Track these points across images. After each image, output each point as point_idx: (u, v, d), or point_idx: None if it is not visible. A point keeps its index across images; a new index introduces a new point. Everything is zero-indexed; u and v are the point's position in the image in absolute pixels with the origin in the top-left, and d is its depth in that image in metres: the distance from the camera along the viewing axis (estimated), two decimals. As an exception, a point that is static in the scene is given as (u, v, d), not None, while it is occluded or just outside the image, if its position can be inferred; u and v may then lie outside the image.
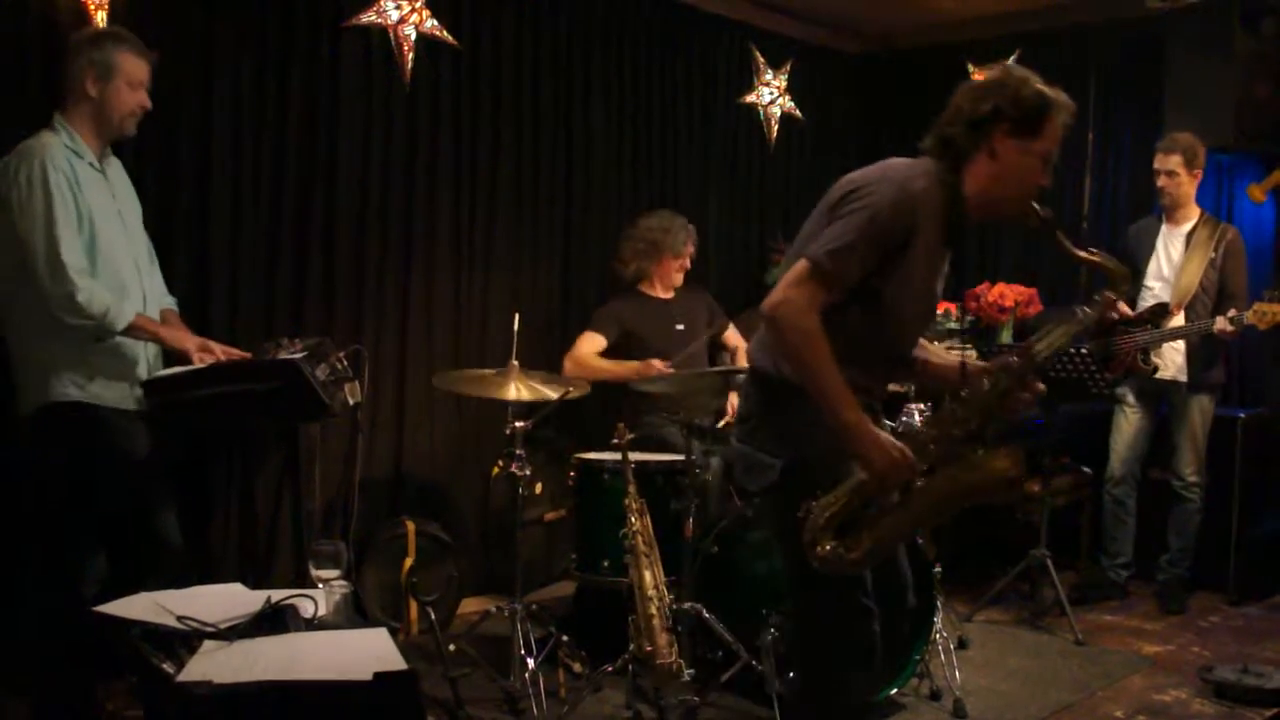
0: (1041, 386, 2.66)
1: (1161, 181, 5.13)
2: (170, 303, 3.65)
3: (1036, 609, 5.03)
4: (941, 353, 2.91)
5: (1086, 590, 5.38)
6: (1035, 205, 2.66)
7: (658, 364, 4.82)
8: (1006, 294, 5.87)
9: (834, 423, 2.49)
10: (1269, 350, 5.92)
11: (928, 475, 2.55)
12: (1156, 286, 5.19)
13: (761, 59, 6.55)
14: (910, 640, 3.89)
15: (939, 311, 5.86)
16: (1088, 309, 2.71)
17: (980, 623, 4.98)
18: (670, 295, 5.19)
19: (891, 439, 2.52)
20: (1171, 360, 5.12)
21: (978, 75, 2.66)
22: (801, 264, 2.53)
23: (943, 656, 4.07)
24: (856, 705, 2.74)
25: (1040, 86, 2.62)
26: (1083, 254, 2.66)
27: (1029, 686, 4.23)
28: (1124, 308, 5.13)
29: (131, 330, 3.26)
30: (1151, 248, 5.24)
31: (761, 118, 6.63)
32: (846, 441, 2.50)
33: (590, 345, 5.00)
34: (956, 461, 2.56)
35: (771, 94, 6.63)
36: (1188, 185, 5.12)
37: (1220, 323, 4.87)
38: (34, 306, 3.20)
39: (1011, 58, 6.53)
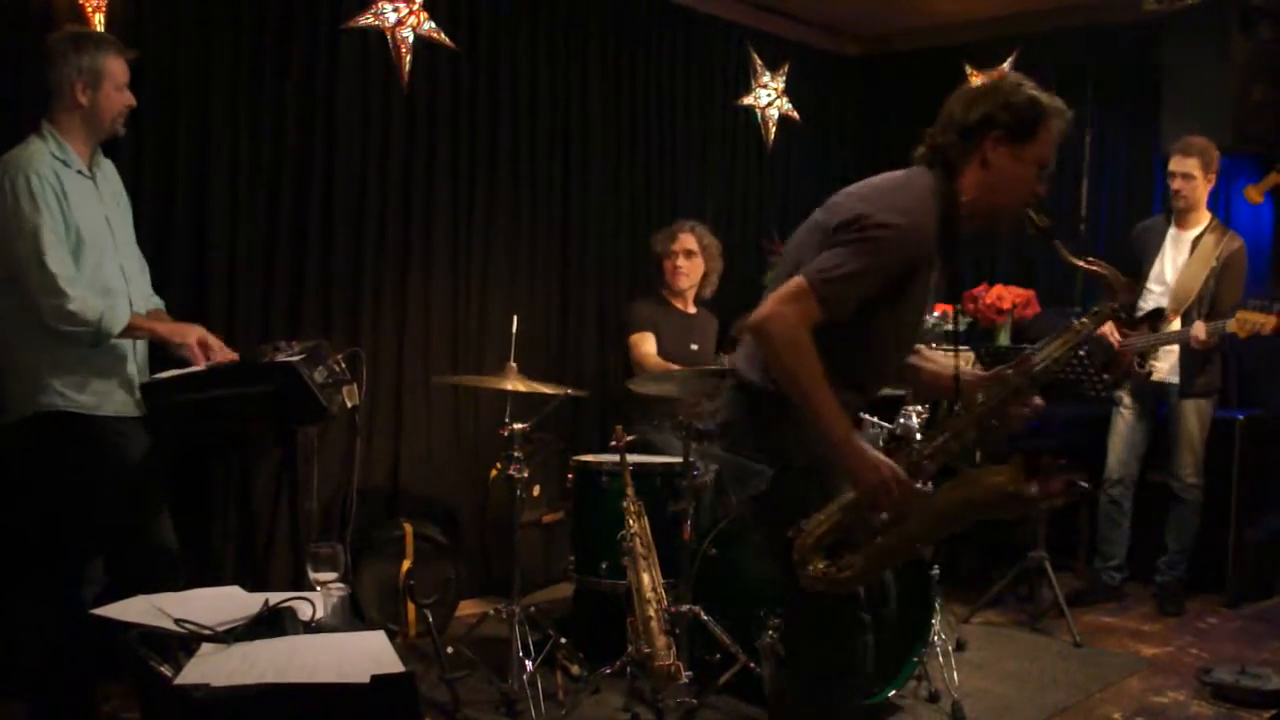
0: (1039, 401, 2.62)
1: (1177, 184, 5.09)
2: (157, 303, 3.63)
3: (1034, 611, 5.03)
4: (937, 358, 2.88)
5: (1084, 593, 5.38)
6: (1032, 213, 2.59)
7: None
8: (1004, 296, 5.87)
9: (823, 439, 2.44)
10: (1268, 352, 5.92)
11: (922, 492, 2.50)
12: (1158, 290, 5.18)
13: (759, 61, 6.56)
14: (908, 642, 3.91)
15: (936, 314, 5.88)
16: (1085, 319, 2.66)
17: (978, 625, 4.99)
18: (693, 311, 5.15)
19: (882, 456, 2.46)
20: (1166, 363, 5.13)
21: (974, 78, 2.62)
22: (797, 282, 2.46)
23: (941, 659, 4.07)
24: (847, 714, 2.70)
25: (1033, 92, 2.55)
26: (1081, 263, 2.62)
27: (1027, 688, 4.23)
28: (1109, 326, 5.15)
29: (129, 331, 3.25)
30: (1158, 249, 5.21)
31: (759, 120, 6.63)
32: (836, 458, 2.46)
33: (650, 344, 4.95)
34: (953, 477, 2.51)
35: (769, 96, 6.63)
36: (1202, 189, 5.08)
37: (1196, 329, 4.88)
38: (21, 315, 3.18)
39: (1008, 60, 6.56)
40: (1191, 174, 5.05)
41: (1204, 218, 5.16)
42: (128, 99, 3.39)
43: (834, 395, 2.44)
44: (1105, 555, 5.38)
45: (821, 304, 2.44)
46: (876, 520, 2.49)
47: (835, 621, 2.60)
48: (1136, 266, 5.26)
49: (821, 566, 2.48)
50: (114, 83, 3.33)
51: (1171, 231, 5.21)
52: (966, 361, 5.47)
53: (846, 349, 2.51)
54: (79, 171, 3.31)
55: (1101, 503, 5.34)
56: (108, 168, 3.48)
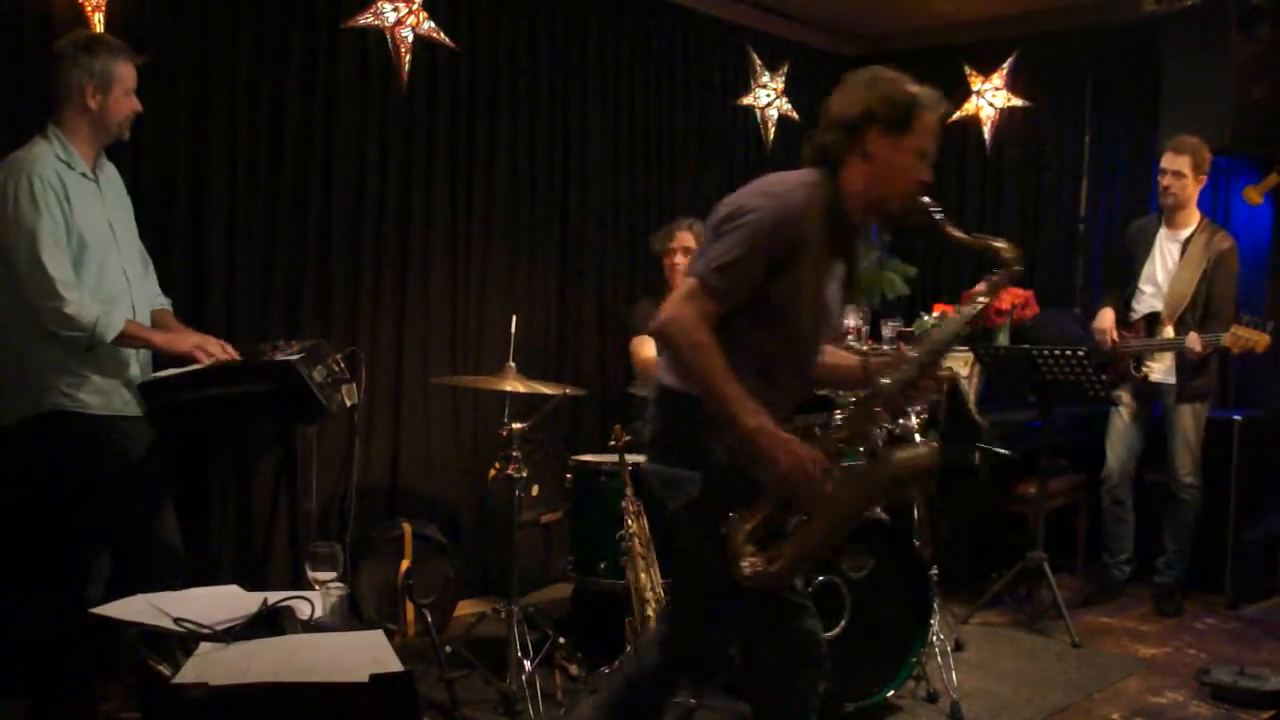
0: (944, 374, 2.75)
1: (1167, 181, 5.09)
2: (164, 303, 3.63)
3: (1033, 611, 5.03)
4: (840, 353, 2.95)
5: (1095, 593, 5.38)
6: (919, 199, 2.69)
7: None
8: (1003, 296, 5.87)
9: (736, 429, 2.50)
10: (1266, 355, 5.92)
11: (842, 476, 2.58)
12: (1149, 291, 5.18)
13: (758, 61, 6.56)
14: (907, 643, 3.92)
15: (935, 314, 5.88)
16: (981, 295, 2.77)
17: (977, 625, 4.99)
18: None
19: (797, 440, 2.52)
20: (1161, 364, 5.13)
21: (850, 76, 2.72)
22: (689, 281, 2.56)
23: (939, 659, 4.07)
24: (813, 705, 2.74)
25: (909, 85, 2.63)
26: (969, 238, 2.71)
27: (1025, 689, 4.23)
28: (1110, 320, 5.16)
29: (122, 339, 3.24)
30: (1149, 249, 5.22)
31: (758, 120, 6.63)
32: (751, 446, 2.50)
33: (649, 350, 4.96)
34: (870, 458, 2.61)
35: (768, 96, 6.63)
36: (1192, 188, 5.08)
37: (1192, 340, 4.89)
38: (22, 315, 3.18)
39: (1008, 60, 6.56)
40: (1182, 172, 5.05)
41: (1194, 218, 5.16)
42: (135, 104, 3.39)
43: (741, 386, 2.50)
44: (1113, 551, 5.37)
45: (714, 296, 2.53)
46: (788, 510, 2.56)
47: (776, 612, 2.66)
48: (1130, 265, 5.27)
49: (754, 560, 2.52)
50: (123, 87, 3.33)
51: (1163, 232, 5.22)
52: (965, 362, 5.51)
53: (748, 341, 2.58)
54: (83, 174, 3.30)
55: (1104, 502, 5.35)
56: (110, 170, 3.47)
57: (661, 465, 2.69)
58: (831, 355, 2.91)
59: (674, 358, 2.60)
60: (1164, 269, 5.16)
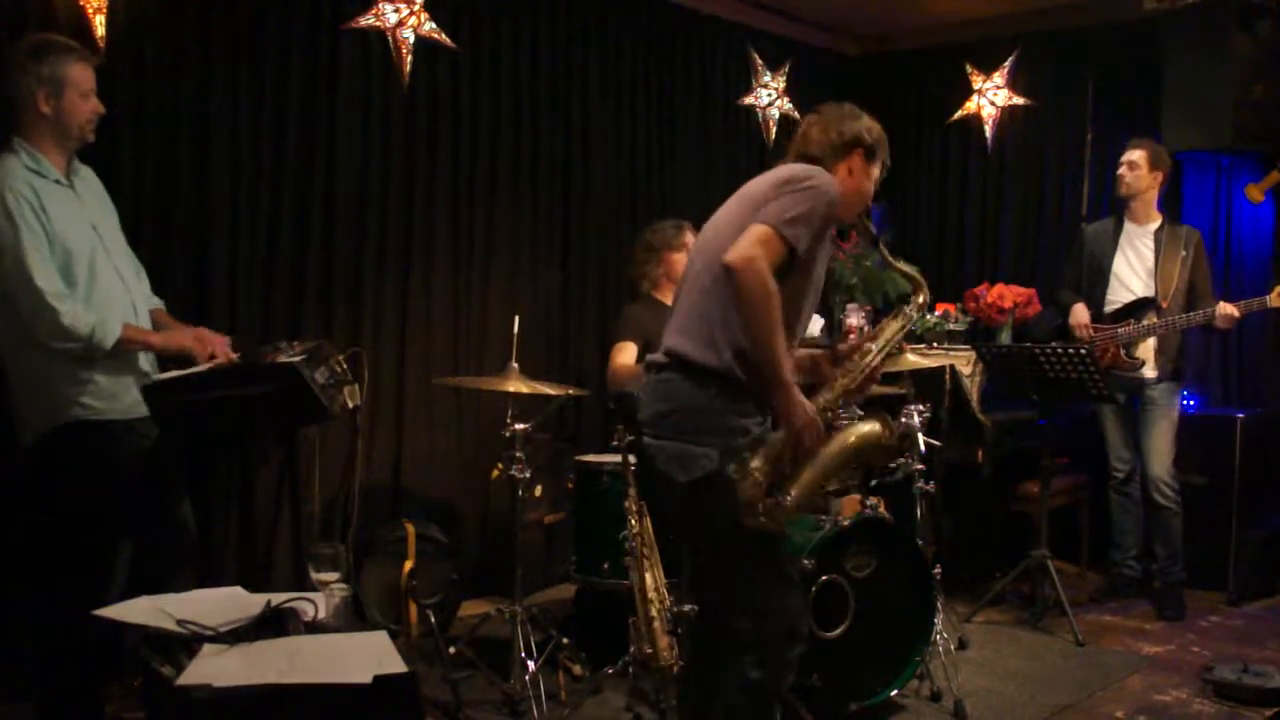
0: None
1: (1121, 170, 5.20)
2: (156, 303, 3.61)
3: (1036, 610, 5.03)
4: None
5: (1106, 591, 5.38)
6: (864, 220, 3.09)
7: None
8: (1005, 295, 5.87)
9: (774, 378, 2.69)
10: (1269, 350, 5.93)
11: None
12: (1130, 284, 5.19)
13: (760, 61, 6.56)
14: (910, 641, 3.92)
15: (938, 313, 5.87)
16: (909, 310, 3.04)
17: (980, 624, 4.99)
18: None
19: (806, 400, 2.77)
20: (1142, 354, 5.11)
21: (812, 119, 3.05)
22: (759, 229, 2.70)
23: (943, 657, 4.08)
24: (791, 677, 2.92)
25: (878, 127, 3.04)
26: (892, 260, 3.03)
27: (1029, 687, 4.23)
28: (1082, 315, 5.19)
29: (121, 344, 3.22)
30: (1115, 247, 5.25)
31: (760, 120, 6.63)
32: (777, 398, 2.71)
33: (627, 355, 4.95)
34: (839, 428, 2.90)
35: (770, 96, 6.64)
36: (1148, 179, 5.16)
37: (1224, 308, 4.90)
38: (21, 331, 3.16)
39: (1009, 59, 6.56)
40: (1137, 163, 5.16)
41: (1156, 214, 5.23)
42: (95, 105, 3.32)
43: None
44: (1122, 546, 5.37)
45: (783, 244, 2.71)
46: (789, 461, 2.77)
47: (782, 581, 2.87)
48: (1097, 263, 5.27)
49: (769, 501, 2.73)
50: (78, 90, 3.26)
51: (1127, 226, 5.25)
52: (967, 361, 5.51)
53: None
54: (56, 181, 3.25)
55: (1113, 498, 5.34)
56: (87, 174, 3.43)
57: (672, 441, 2.80)
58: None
59: (744, 294, 2.67)
60: (1140, 262, 5.18)
